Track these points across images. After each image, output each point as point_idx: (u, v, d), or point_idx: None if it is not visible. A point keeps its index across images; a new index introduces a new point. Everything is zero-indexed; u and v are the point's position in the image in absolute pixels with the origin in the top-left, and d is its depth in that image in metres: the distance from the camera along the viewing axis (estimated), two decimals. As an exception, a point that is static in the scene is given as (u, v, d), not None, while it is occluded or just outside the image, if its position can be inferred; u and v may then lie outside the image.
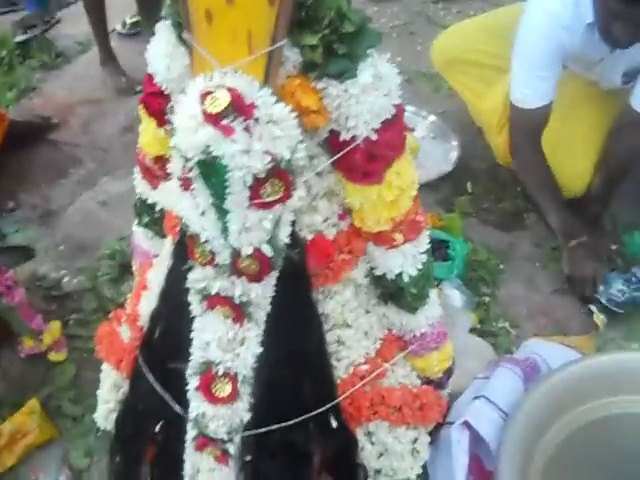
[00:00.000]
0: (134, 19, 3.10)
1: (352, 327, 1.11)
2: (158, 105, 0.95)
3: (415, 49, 2.92)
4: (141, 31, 3.04)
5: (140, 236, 1.25)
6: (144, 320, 1.15)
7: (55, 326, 1.68)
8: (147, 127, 1.04)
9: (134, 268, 1.37)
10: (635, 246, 1.91)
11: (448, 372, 1.31)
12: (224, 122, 0.76)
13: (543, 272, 1.90)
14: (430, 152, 2.19)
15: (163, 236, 1.19)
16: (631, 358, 1.35)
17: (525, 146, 1.90)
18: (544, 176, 1.91)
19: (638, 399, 1.30)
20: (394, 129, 0.89)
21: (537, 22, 1.75)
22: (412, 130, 2.26)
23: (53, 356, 1.67)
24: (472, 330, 1.65)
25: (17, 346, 1.66)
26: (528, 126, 1.88)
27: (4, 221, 1.90)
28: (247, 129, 0.76)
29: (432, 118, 2.39)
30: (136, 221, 1.25)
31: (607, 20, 1.58)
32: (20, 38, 3.08)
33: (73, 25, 3.27)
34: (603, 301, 1.72)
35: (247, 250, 0.86)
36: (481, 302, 1.78)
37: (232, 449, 1.03)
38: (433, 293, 1.17)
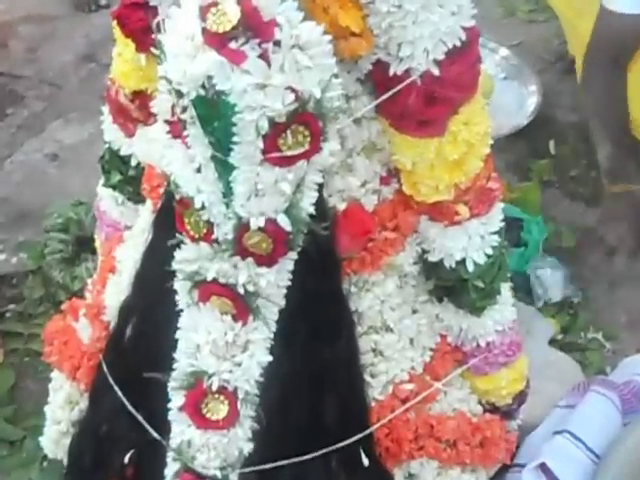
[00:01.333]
0: None
1: (394, 332, 1.11)
2: (139, 20, 0.95)
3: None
4: None
5: (107, 200, 1.26)
6: (111, 314, 1.16)
7: (-14, 321, 1.70)
8: (123, 51, 1.04)
9: (97, 244, 1.37)
10: None
11: (520, 397, 1.31)
12: (232, 45, 0.75)
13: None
14: (500, 99, 2.16)
15: (139, 201, 1.19)
16: None
17: (605, 64, 1.92)
18: (615, 100, 1.93)
19: None
20: (464, 62, 0.89)
21: None
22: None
23: (-17, 360, 1.70)
24: (553, 342, 1.65)
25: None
26: (616, 37, 1.90)
27: None
28: (264, 56, 0.75)
29: (504, 52, 2.36)
30: (102, 180, 1.25)
31: None
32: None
33: None
34: None
35: (257, 222, 0.85)
36: (566, 305, 1.77)
37: (227, 491, 1.04)
38: (505, 289, 1.17)
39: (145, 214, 1.13)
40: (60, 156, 2.20)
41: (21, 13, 2.71)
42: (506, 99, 2.23)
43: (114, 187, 1.23)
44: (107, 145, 1.20)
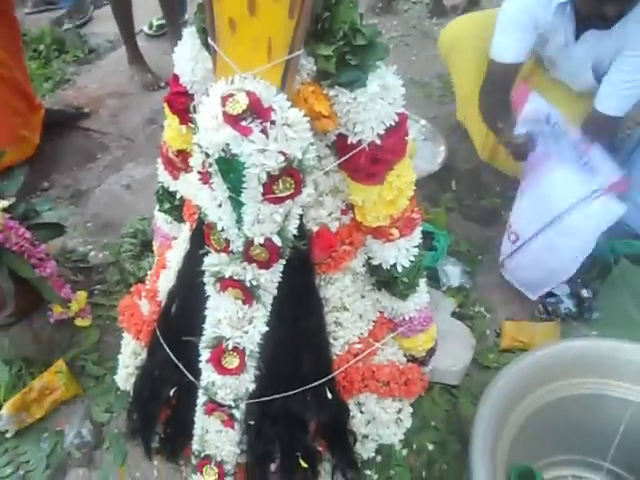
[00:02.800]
0: (160, 21, 3.03)
1: (349, 310, 1.09)
2: (182, 104, 0.92)
3: (410, 59, 2.87)
4: (166, 32, 2.97)
5: (161, 220, 1.23)
6: (162, 296, 1.14)
7: (82, 295, 1.65)
8: (171, 123, 1.01)
9: (154, 247, 1.34)
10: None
11: (431, 351, 1.30)
12: (243, 123, 0.73)
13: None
14: (420, 153, 2.13)
15: (181, 221, 1.16)
16: (596, 345, 1.33)
17: (494, 94, 1.86)
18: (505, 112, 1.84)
19: (598, 382, 1.29)
20: (397, 135, 0.87)
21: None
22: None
23: (79, 322, 1.64)
24: (453, 314, 1.63)
25: (47, 312, 1.63)
26: (500, 78, 1.84)
27: (39, 200, 1.86)
28: (264, 130, 0.73)
29: (423, 122, 2.33)
30: (157, 206, 1.22)
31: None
32: (59, 30, 3.04)
33: (105, 24, 3.19)
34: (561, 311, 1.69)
35: (259, 239, 0.84)
36: (461, 289, 1.75)
37: (238, 414, 1.02)
38: (422, 282, 1.15)
39: (185, 231, 1.10)
40: (132, 187, 2.14)
41: (108, 90, 2.66)
42: (424, 153, 2.20)
43: (165, 212, 1.20)
44: (160, 184, 1.17)
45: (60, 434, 1.43)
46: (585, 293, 1.70)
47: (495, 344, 1.63)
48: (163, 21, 3.01)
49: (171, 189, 1.14)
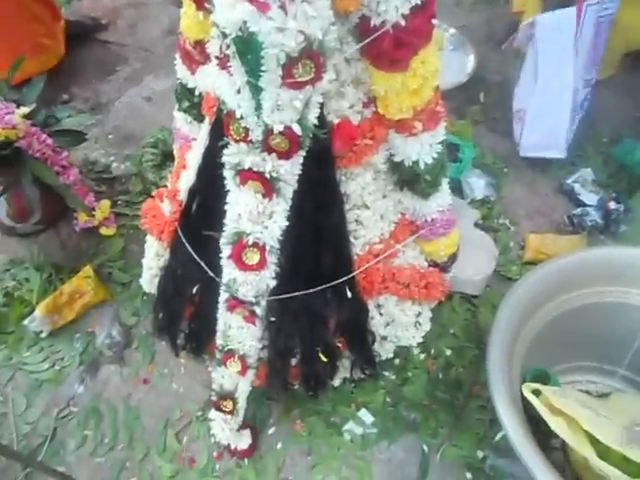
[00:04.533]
0: None
1: (370, 209, 1.08)
2: (198, -13, 0.88)
3: (441, -36, 2.71)
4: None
5: (180, 120, 1.21)
6: (183, 195, 1.14)
7: (105, 204, 1.67)
8: (187, 10, 0.97)
9: (174, 150, 1.34)
10: (623, 152, 1.82)
11: (452, 257, 1.30)
12: (260, -2, 0.70)
13: (543, 177, 1.83)
14: (448, 63, 2.04)
15: (201, 121, 1.15)
16: (620, 253, 1.31)
17: None
18: None
19: (620, 290, 1.28)
20: (423, 15, 0.83)
21: None
22: (432, 41, 2.13)
23: (104, 230, 1.68)
24: (476, 225, 1.62)
25: (73, 221, 1.66)
26: None
27: (58, 108, 1.85)
28: (282, 7, 0.70)
29: (452, 31, 2.22)
30: (176, 106, 1.20)
31: None
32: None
33: None
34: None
35: (278, 128, 0.82)
36: (485, 201, 1.73)
37: (259, 310, 1.04)
38: (445, 182, 1.13)
39: (204, 128, 1.08)
40: (153, 98, 2.12)
41: (124, 1, 2.58)
42: (452, 63, 2.12)
43: (184, 111, 1.18)
44: (179, 81, 1.15)
45: (91, 335, 1.50)
46: (613, 205, 1.66)
47: (518, 256, 1.63)
48: None
49: (190, 85, 1.12)
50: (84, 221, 1.65)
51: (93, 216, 1.65)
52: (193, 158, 1.11)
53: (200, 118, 1.14)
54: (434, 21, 0.86)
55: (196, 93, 1.12)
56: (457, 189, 1.71)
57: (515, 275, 1.56)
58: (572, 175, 1.79)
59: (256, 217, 0.94)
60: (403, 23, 0.81)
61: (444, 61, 1.97)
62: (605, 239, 1.66)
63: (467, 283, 1.48)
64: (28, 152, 1.48)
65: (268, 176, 0.88)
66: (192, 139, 1.20)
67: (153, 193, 1.32)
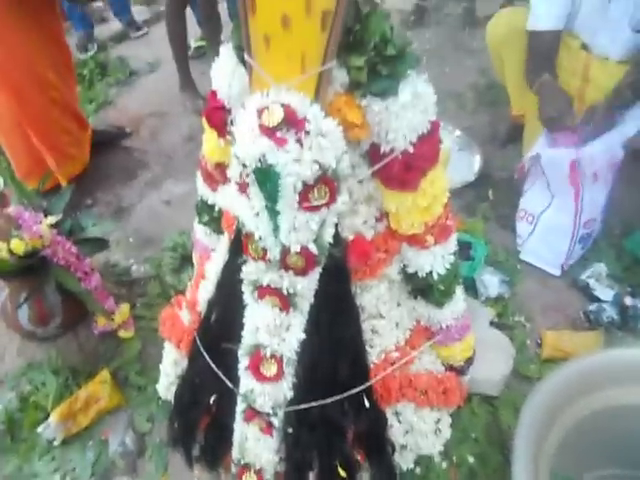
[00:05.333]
0: (199, 43, 3.12)
1: (385, 318, 1.09)
2: (220, 118, 0.95)
3: (444, 71, 2.87)
4: (206, 53, 3.06)
5: (200, 232, 1.26)
6: (202, 306, 1.16)
7: (125, 307, 1.70)
8: (209, 137, 1.04)
9: (194, 259, 1.37)
10: (636, 245, 1.85)
11: (469, 361, 1.29)
12: (278, 134, 0.75)
13: (556, 272, 1.85)
14: (455, 163, 2.13)
15: (220, 233, 1.19)
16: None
17: (538, 68, 1.88)
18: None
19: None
20: (430, 142, 0.88)
21: None
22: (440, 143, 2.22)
23: (122, 333, 1.70)
24: (491, 323, 1.61)
25: (92, 324, 1.69)
26: (543, 48, 1.88)
27: (83, 216, 1.93)
28: (298, 140, 0.75)
29: (458, 132, 2.34)
30: (197, 219, 1.25)
31: None
32: (84, 56, 3.16)
33: (146, 46, 3.33)
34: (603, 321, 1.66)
35: (295, 248, 0.85)
36: (500, 298, 1.73)
37: (276, 422, 1.03)
38: (459, 290, 1.14)
39: (224, 242, 1.12)
40: (172, 202, 2.21)
41: (148, 110, 2.74)
42: (460, 163, 2.21)
43: (205, 224, 1.23)
44: (199, 197, 1.20)
45: (104, 443, 1.48)
46: (629, 301, 1.66)
47: (536, 354, 1.61)
48: (201, 43, 3.10)
49: (210, 202, 1.17)
50: (103, 325, 1.68)
51: (112, 320, 1.67)
52: (212, 269, 1.14)
53: (219, 230, 1.18)
54: (439, 145, 0.91)
55: (216, 209, 1.16)
56: (471, 287, 1.72)
57: (534, 374, 1.54)
58: (586, 270, 1.80)
59: (274, 330, 0.96)
60: (411, 150, 0.86)
61: (452, 161, 2.10)
62: (623, 335, 1.64)
63: (485, 384, 1.45)
64: (53, 260, 1.53)
65: (285, 292, 0.91)
66: (211, 249, 1.24)
67: (172, 300, 1.35)
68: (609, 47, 1.86)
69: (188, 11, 2.70)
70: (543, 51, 1.89)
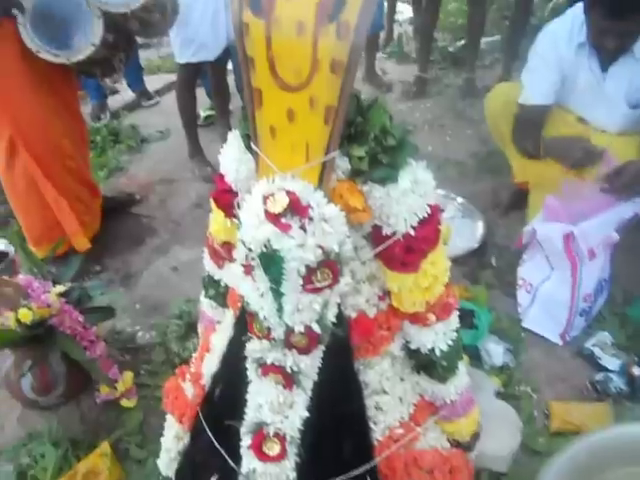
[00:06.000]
0: (207, 112, 3.24)
1: (389, 394, 1.08)
2: (227, 200, 0.98)
3: (444, 139, 2.96)
4: (214, 122, 3.17)
5: (206, 305, 1.27)
6: (206, 380, 1.16)
7: (128, 376, 1.69)
8: (217, 217, 1.07)
9: (199, 331, 1.38)
10: (638, 313, 1.85)
11: (475, 436, 1.27)
12: (283, 220, 0.78)
13: (561, 341, 1.84)
14: (458, 230, 2.17)
15: (226, 306, 1.20)
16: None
17: (530, 133, 1.98)
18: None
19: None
20: (430, 226, 0.90)
21: (542, 38, 1.95)
22: (442, 211, 2.25)
23: (125, 402, 1.68)
24: (497, 394, 1.59)
25: (95, 393, 1.68)
26: (530, 119, 1.97)
27: (91, 283, 1.95)
28: (302, 227, 0.78)
29: (460, 200, 2.38)
30: (203, 292, 1.27)
31: (599, 35, 1.74)
32: (97, 124, 3.28)
33: (157, 115, 3.45)
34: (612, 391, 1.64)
35: (299, 328, 0.87)
36: (505, 368, 1.72)
37: (279, 502, 1.01)
38: (462, 365, 1.14)
39: (229, 317, 1.14)
40: (179, 268, 2.23)
41: (157, 177, 2.81)
42: (463, 230, 2.23)
43: (211, 298, 1.24)
44: (206, 272, 1.22)
45: (101, 522, 1.43)
46: (637, 371, 1.64)
47: (544, 426, 1.58)
48: (210, 112, 3.22)
49: (216, 277, 1.19)
50: (106, 393, 1.66)
51: (115, 388, 1.66)
52: (217, 343, 1.15)
53: (225, 304, 1.20)
54: (439, 227, 0.93)
55: (222, 284, 1.18)
56: (475, 356, 1.71)
57: (543, 448, 1.50)
58: (590, 338, 1.79)
59: (277, 407, 0.95)
60: (412, 233, 0.88)
61: (455, 228, 2.13)
62: (633, 406, 1.61)
63: (493, 459, 1.42)
64: (59, 329, 1.55)
65: (289, 370, 0.92)
66: (217, 322, 1.25)
67: (176, 371, 1.35)
68: (606, 121, 1.93)
69: (198, 82, 2.82)
70: (531, 123, 1.98)
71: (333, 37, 0.71)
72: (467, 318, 1.76)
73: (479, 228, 2.25)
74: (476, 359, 1.71)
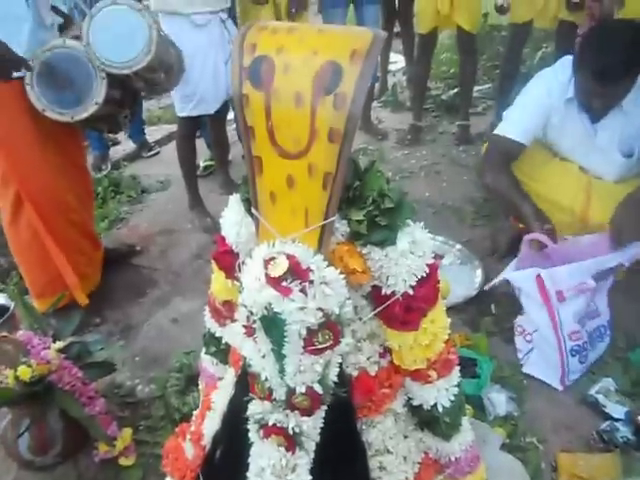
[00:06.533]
0: (207, 162, 3.30)
1: (393, 453, 1.07)
2: (228, 261, 1.00)
3: (441, 185, 3.00)
4: (213, 172, 3.22)
5: (207, 362, 1.27)
6: (207, 440, 1.15)
7: (127, 433, 1.66)
8: (218, 277, 1.08)
9: (200, 387, 1.37)
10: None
11: (482, 493, 1.24)
12: (284, 284, 0.79)
13: (564, 388, 1.82)
14: (457, 277, 2.18)
15: (226, 363, 1.20)
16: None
17: (495, 164, 2.00)
18: (512, 182, 1.99)
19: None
20: (428, 285, 0.91)
21: (536, 81, 1.99)
22: (441, 257, 2.28)
23: (123, 461, 1.64)
24: (502, 446, 1.56)
25: (93, 451, 1.65)
26: (501, 150, 1.98)
27: (91, 338, 1.94)
28: (303, 290, 0.79)
29: (458, 246, 2.39)
30: (204, 349, 1.27)
31: (586, 95, 1.80)
32: (98, 175, 3.31)
33: (158, 165, 3.51)
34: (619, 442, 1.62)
35: (301, 388, 0.87)
36: (509, 417, 1.69)
37: None
38: (465, 421, 1.13)
39: (230, 375, 1.13)
40: (179, 320, 2.21)
41: (157, 228, 2.83)
42: (461, 277, 2.24)
43: (212, 354, 1.24)
44: (207, 329, 1.23)
45: None
46: None
47: (552, 479, 1.54)
48: (210, 163, 3.27)
49: (217, 335, 1.19)
50: (104, 451, 1.63)
51: (114, 446, 1.63)
52: (218, 401, 1.14)
53: (226, 361, 1.20)
54: (438, 285, 0.95)
55: (223, 341, 1.18)
56: (479, 406, 1.69)
57: (552, 502, 1.47)
58: (594, 385, 1.78)
59: (279, 471, 0.94)
60: (411, 292, 0.89)
61: (454, 275, 2.13)
62: (641, 456, 1.59)
63: (501, 515, 1.39)
64: (58, 385, 1.53)
65: (291, 432, 0.91)
66: (218, 378, 1.24)
67: (177, 429, 1.33)
68: (603, 170, 1.96)
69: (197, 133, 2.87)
70: (500, 157, 2.00)
71: (330, 108, 0.74)
72: (469, 367, 1.75)
73: (478, 275, 2.25)
74: (480, 409, 1.69)
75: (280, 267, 0.79)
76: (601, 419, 1.69)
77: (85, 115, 1.87)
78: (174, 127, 3.37)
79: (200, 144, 3.13)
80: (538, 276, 1.70)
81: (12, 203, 1.99)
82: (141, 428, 1.77)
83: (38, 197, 1.98)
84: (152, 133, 3.90)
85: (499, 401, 1.73)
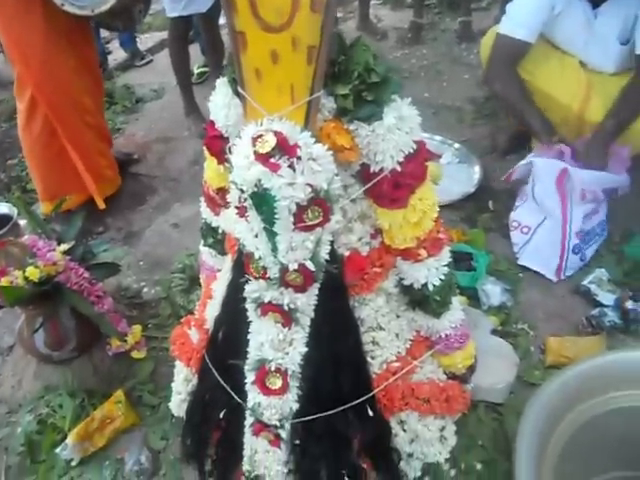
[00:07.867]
0: (201, 69, 3.21)
1: (385, 330, 1.13)
2: (219, 146, 1.01)
3: (441, 85, 2.93)
4: (209, 78, 3.15)
5: (206, 254, 1.31)
6: (209, 324, 1.21)
7: (137, 329, 1.75)
8: (210, 164, 1.10)
9: (201, 280, 1.43)
10: (635, 250, 1.88)
11: (471, 368, 1.32)
12: (272, 160, 0.80)
13: (559, 280, 1.87)
14: (455, 175, 2.19)
15: (225, 254, 1.25)
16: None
17: (503, 69, 1.96)
18: (522, 91, 1.96)
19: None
20: (416, 161, 0.92)
21: None
22: (440, 156, 2.27)
23: (135, 354, 1.74)
24: (495, 332, 1.64)
25: (106, 346, 1.74)
26: (509, 52, 1.93)
27: (95, 242, 1.99)
28: (291, 165, 0.80)
29: (457, 145, 2.39)
30: (202, 242, 1.30)
31: None
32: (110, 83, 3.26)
33: (151, 74, 3.43)
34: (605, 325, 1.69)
35: (293, 266, 0.90)
36: (502, 307, 1.76)
37: (284, 434, 1.07)
38: (455, 300, 1.18)
39: (227, 262, 1.17)
40: (180, 225, 2.26)
41: (154, 136, 2.82)
42: (460, 175, 2.25)
43: (209, 246, 1.28)
44: (204, 220, 1.26)
45: (120, 462, 1.51)
46: (630, 305, 1.68)
47: (540, 361, 1.63)
48: (204, 69, 3.19)
49: (213, 225, 1.22)
50: (117, 346, 1.72)
51: (125, 341, 1.72)
52: (218, 289, 1.19)
53: (224, 252, 1.24)
54: (427, 163, 0.96)
55: (219, 231, 1.22)
56: (474, 297, 1.76)
57: (538, 380, 1.56)
58: (587, 276, 1.83)
59: (277, 345, 1.00)
60: (399, 169, 0.91)
61: (452, 173, 2.14)
62: (625, 338, 1.66)
63: (490, 392, 1.48)
64: (66, 285, 1.59)
65: (287, 308, 0.96)
66: (217, 270, 1.29)
67: (182, 320, 1.40)
68: (601, 61, 1.91)
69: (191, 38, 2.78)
70: (508, 59, 1.94)
71: (312, -25, 0.72)
72: (465, 261, 1.79)
73: (476, 173, 2.26)
74: (474, 300, 1.76)
75: (268, 144, 0.80)
76: (592, 307, 1.75)
77: (105, 8, 1.81)
78: (165, 34, 3.25)
79: (193, 51, 3.03)
80: (565, 170, 1.70)
81: (27, 106, 2.01)
82: (150, 326, 1.86)
83: (53, 98, 1.98)
84: (144, 41, 3.78)
85: (493, 292, 1.79)
